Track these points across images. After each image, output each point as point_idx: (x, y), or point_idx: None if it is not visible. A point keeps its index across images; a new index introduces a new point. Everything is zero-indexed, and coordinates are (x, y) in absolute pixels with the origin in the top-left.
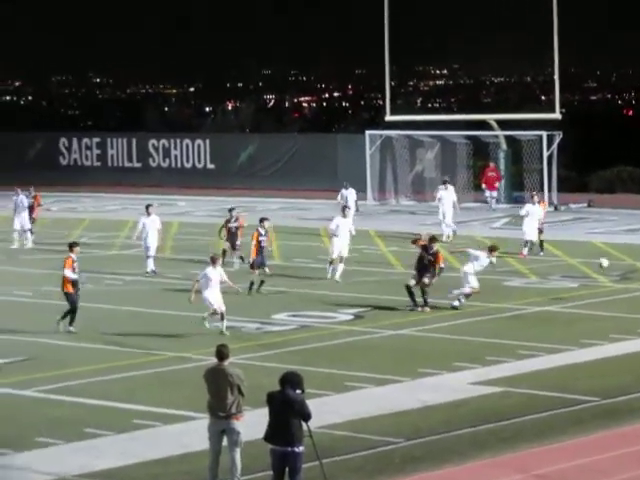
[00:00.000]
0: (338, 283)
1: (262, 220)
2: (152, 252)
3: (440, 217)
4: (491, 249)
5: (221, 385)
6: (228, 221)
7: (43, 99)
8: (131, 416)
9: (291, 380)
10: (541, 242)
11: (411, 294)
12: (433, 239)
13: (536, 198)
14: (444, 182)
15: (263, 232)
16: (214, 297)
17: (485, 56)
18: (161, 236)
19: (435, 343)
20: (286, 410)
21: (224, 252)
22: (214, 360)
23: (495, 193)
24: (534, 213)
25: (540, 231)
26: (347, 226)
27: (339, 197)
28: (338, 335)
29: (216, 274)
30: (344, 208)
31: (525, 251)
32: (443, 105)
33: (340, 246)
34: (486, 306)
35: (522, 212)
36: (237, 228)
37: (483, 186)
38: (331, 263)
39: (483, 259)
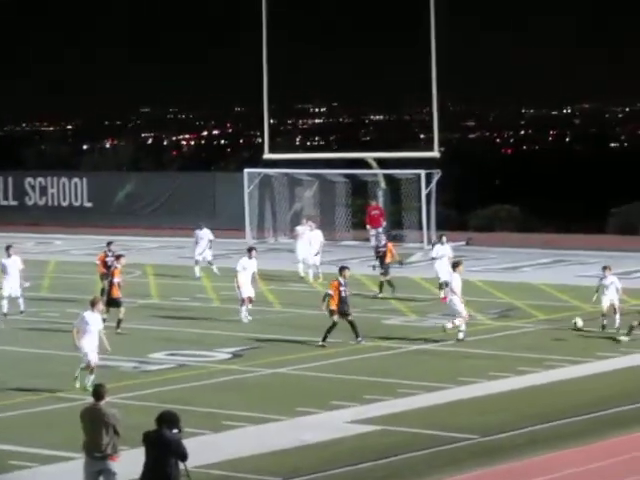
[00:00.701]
0: (246, 323)
1: (342, 269)
2: (17, 293)
3: (300, 257)
4: (455, 265)
5: (97, 425)
6: (106, 255)
7: None
8: (6, 457)
9: (167, 419)
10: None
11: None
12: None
13: (444, 238)
14: (307, 220)
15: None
16: (90, 346)
17: (365, 94)
18: (23, 276)
19: (314, 381)
20: (162, 450)
21: (103, 291)
22: (91, 399)
23: (381, 229)
24: (444, 254)
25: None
26: (252, 267)
27: (194, 237)
28: (216, 374)
29: (94, 319)
30: (250, 249)
31: (443, 294)
32: (322, 143)
33: (248, 286)
34: (365, 345)
35: (432, 254)
36: (115, 260)
37: (368, 226)
38: (242, 304)
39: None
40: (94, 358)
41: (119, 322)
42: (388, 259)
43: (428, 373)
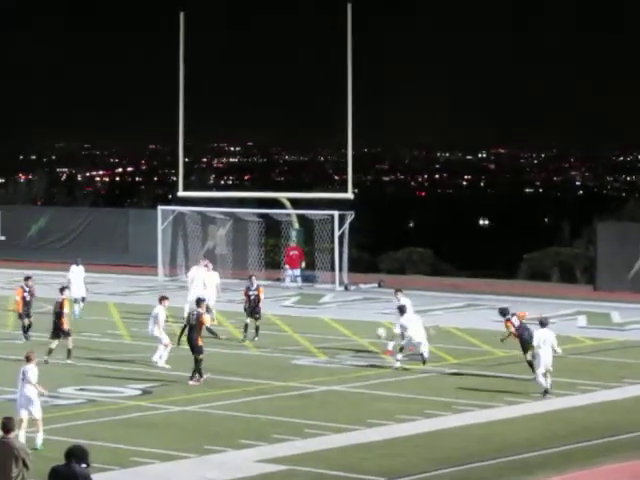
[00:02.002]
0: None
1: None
2: None
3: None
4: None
5: (6, 458)
6: (23, 290)
7: None
8: None
9: (76, 454)
10: None
11: None
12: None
13: (400, 295)
14: (203, 260)
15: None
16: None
17: (279, 134)
18: None
19: (222, 420)
20: None
21: (25, 328)
22: None
23: (298, 271)
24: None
25: None
26: (162, 315)
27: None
28: (126, 410)
29: (31, 372)
30: (162, 299)
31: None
32: (236, 182)
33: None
34: (273, 384)
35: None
36: (31, 296)
37: (286, 266)
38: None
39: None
40: (37, 414)
41: (69, 352)
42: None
43: (336, 414)
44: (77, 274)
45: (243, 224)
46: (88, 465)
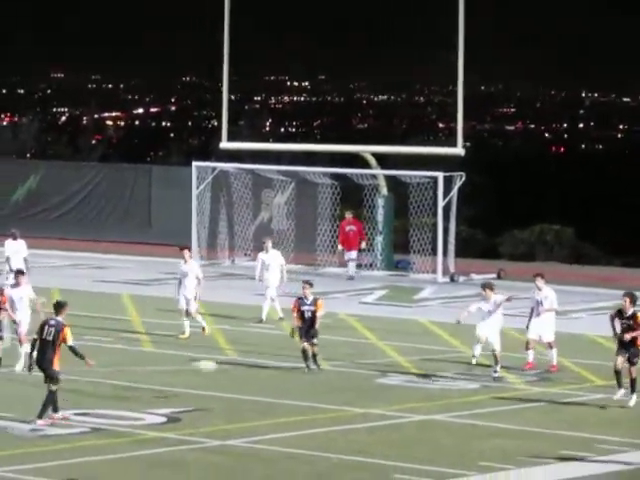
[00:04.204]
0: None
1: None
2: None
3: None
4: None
5: None
6: None
7: None
8: None
9: None
10: None
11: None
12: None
13: (541, 282)
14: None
15: None
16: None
17: (363, 65)
18: None
19: (277, 459)
20: None
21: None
22: None
23: (354, 254)
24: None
25: None
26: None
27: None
28: (144, 444)
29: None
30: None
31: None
32: (302, 130)
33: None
34: (350, 412)
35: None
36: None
37: (340, 247)
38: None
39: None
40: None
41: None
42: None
43: (436, 454)
44: (15, 250)
45: (311, 189)
46: None
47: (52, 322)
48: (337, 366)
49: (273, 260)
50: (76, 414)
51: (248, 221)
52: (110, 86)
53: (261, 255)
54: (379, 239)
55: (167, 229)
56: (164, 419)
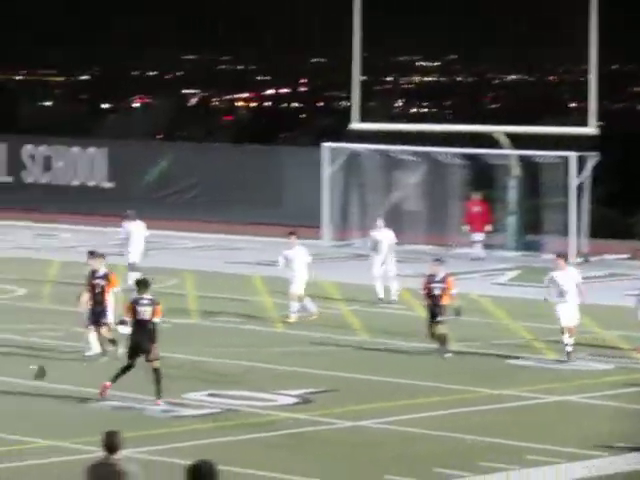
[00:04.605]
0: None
1: None
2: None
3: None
4: None
5: None
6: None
7: None
8: None
9: (204, 476)
10: None
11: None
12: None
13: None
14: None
15: None
16: None
17: (493, 45)
18: None
19: (409, 441)
20: None
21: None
22: (100, 453)
23: (480, 236)
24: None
25: None
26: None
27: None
28: (276, 425)
29: None
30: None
31: None
32: (433, 111)
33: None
34: (483, 393)
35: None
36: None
37: (466, 227)
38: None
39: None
40: None
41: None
42: (446, 301)
43: (570, 435)
44: (133, 231)
45: (441, 169)
46: None
47: (145, 301)
48: (470, 347)
49: (385, 238)
50: (209, 395)
51: (379, 202)
52: (241, 68)
53: (373, 233)
54: (510, 220)
55: (298, 210)
56: (296, 400)
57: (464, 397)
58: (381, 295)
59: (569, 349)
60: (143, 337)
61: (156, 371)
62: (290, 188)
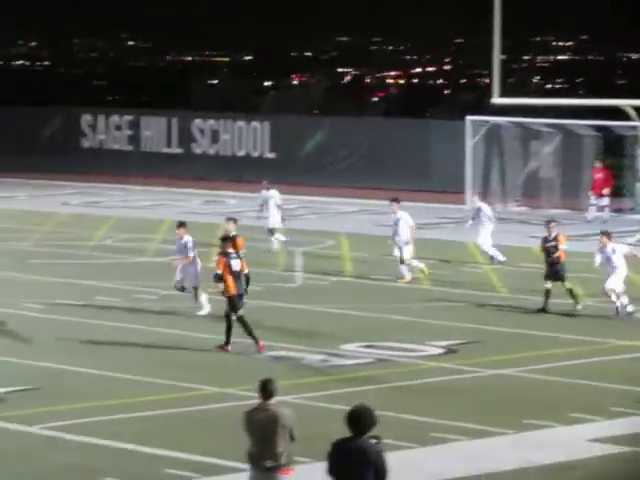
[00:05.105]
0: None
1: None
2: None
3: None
4: None
5: (268, 429)
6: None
7: (63, 65)
8: (162, 465)
9: (366, 423)
10: None
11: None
12: None
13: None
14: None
15: None
16: None
17: (624, 25)
18: None
19: (547, 388)
20: (358, 464)
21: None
22: (256, 399)
23: (604, 200)
24: None
25: None
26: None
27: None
28: (424, 373)
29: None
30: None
31: None
32: (566, 86)
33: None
34: (616, 343)
35: None
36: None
37: (590, 193)
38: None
39: None
40: None
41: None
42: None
43: None
44: (270, 200)
45: (575, 140)
46: (378, 440)
47: (233, 255)
48: (599, 302)
49: (487, 209)
50: (363, 346)
51: (518, 170)
52: (390, 47)
53: (482, 204)
54: (639, 186)
55: (443, 178)
56: (442, 350)
57: (597, 348)
58: (502, 258)
59: None
60: (240, 287)
61: (242, 319)
62: (436, 158)
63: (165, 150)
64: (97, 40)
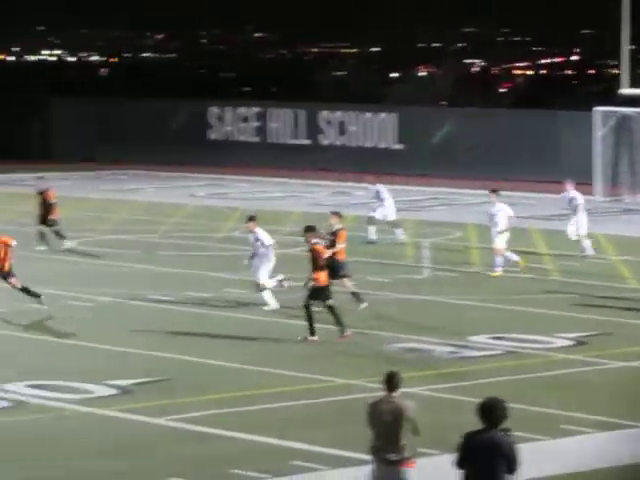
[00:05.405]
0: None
1: None
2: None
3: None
4: None
5: (391, 422)
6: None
7: (190, 58)
8: (287, 456)
9: (499, 415)
10: None
11: None
12: None
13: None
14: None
15: None
16: None
17: None
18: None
19: None
20: (490, 457)
21: None
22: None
23: None
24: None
25: None
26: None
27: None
28: (554, 365)
29: None
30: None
31: None
32: None
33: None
34: None
35: None
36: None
37: None
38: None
39: None
40: None
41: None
42: None
43: None
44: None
45: None
46: (509, 432)
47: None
48: None
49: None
50: (491, 338)
51: None
52: (517, 39)
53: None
54: None
55: (572, 168)
56: (572, 342)
57: None
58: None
59: None
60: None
61: (332, 309)
62: (565, 148)
63: (292, 141)
64: (223, 32)
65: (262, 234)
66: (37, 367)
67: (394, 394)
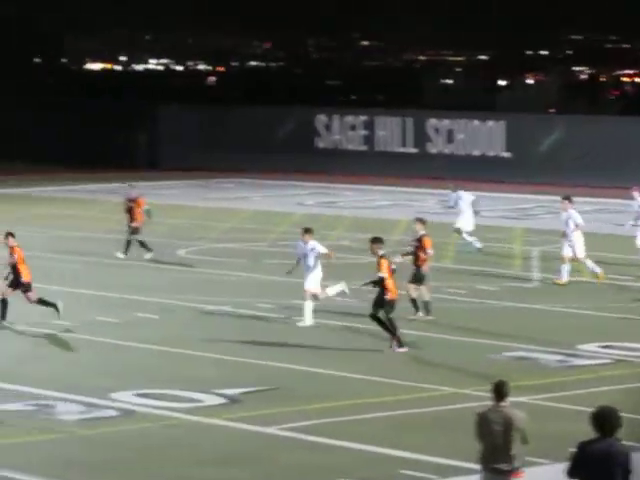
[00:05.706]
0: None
1: None
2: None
3: None
4: None
5: (501, 432)
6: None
7: (297, 66)
8: (397, 465)
9: (614, 424)
10: None
11: None
12: None
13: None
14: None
15: None
16: None
17: None
18: None
19: None
20: (606, 464)
21: None
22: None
23: None
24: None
25: None
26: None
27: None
28: None
29: None
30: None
31: None
32: None
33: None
34: None
35: None
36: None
37: None
38: None
39: None
40: None
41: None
42: None
43: None
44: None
45: None
46: (619, 441)
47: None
48: None
49: None
50: (601, 346)
51: None
52: (627, 46)
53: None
54: None
55: None
56: None
57: None
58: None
59: None
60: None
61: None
62: None
63: (400, 150)
64: (329, 41)
65: (318, 245)
66: (145, 376)
67: (503, 403)
